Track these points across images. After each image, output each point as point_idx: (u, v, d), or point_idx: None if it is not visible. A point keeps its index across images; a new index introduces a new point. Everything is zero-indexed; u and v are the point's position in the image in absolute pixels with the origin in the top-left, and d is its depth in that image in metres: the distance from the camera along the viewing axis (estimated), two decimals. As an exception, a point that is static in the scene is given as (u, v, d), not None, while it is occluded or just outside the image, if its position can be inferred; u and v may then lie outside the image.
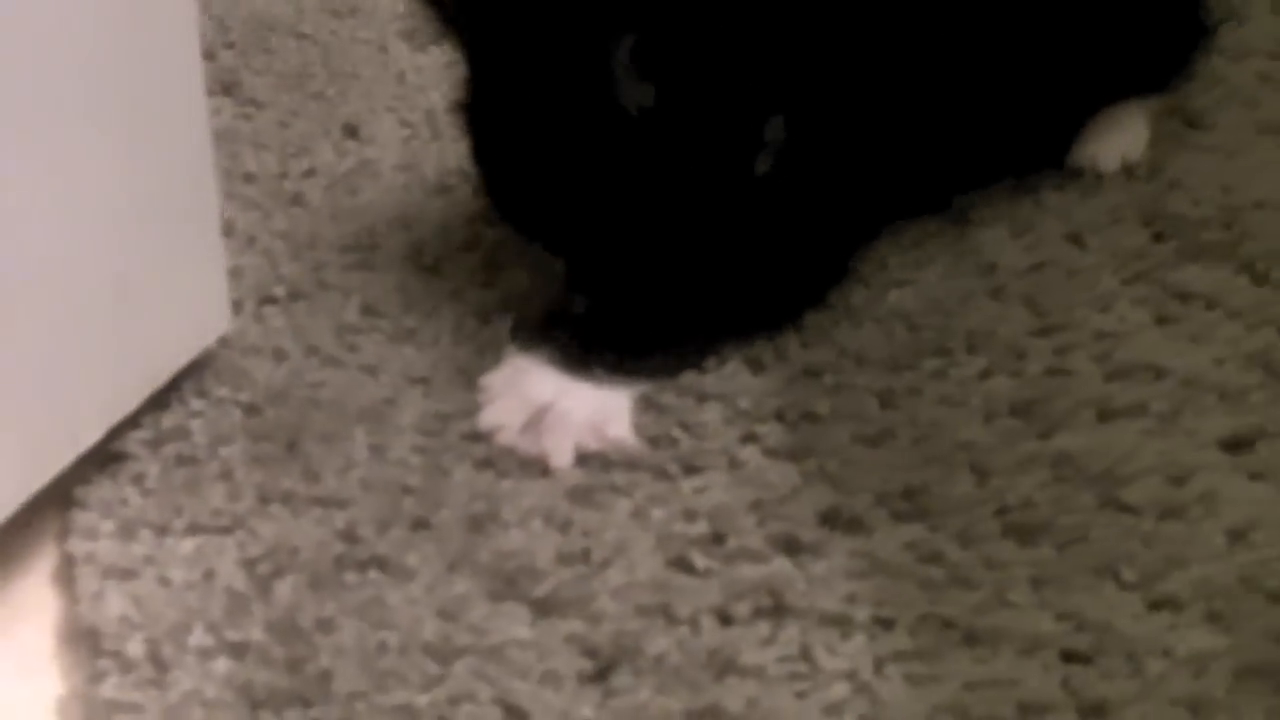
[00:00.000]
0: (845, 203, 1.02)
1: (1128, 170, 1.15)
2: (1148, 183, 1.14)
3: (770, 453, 0.94)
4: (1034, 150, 1.13)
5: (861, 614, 0.85)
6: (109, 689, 0.81)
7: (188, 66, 0.88)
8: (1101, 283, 1.06)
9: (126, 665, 0.82)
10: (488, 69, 0.96)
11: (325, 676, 0.81)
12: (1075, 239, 1.10)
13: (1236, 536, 0.89)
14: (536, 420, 0.95)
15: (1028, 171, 1.13)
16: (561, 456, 0.93)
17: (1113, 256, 1.08)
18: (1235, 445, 0.95)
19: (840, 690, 0.81)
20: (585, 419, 0.94)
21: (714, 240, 0.96)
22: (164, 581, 0.86)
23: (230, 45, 1.28)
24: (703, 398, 0.98)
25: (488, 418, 0.95)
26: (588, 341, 0.97)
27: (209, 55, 1.25)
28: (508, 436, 0.94)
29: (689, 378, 0.99)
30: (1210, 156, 1.17)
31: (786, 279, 1.03)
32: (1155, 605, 0.86)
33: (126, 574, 0.87)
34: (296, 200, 1.12)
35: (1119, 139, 1.14)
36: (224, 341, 0.99)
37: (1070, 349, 1.01)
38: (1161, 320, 1.04)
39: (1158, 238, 1.10)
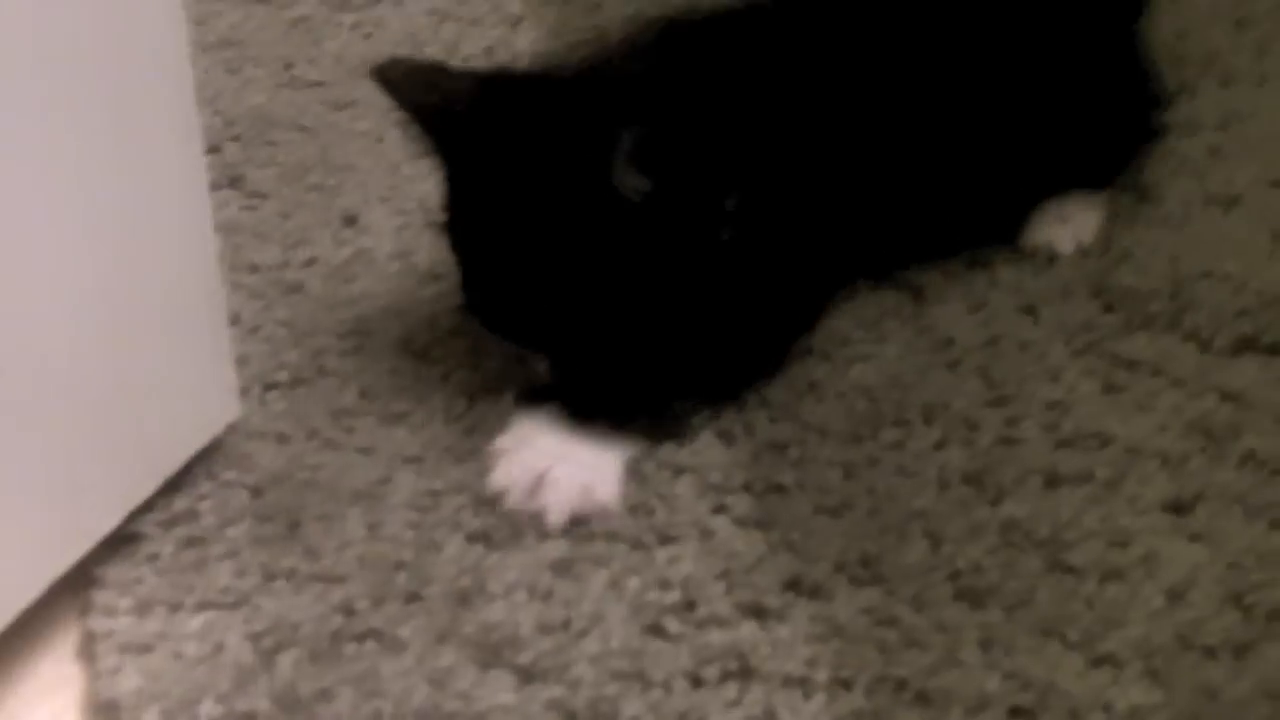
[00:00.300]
0: (806, 273, 1.10)
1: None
2: (1099, 257, 1.21)
3: (739, 522, 1.01)
4: (985, 230, 1.19)
5: (821, 675, 0.92)
6: (127, 758, 0.88)
7: (192, 174, 0.96)
8: (1052, 354, 1.13)
9: (142, 735, 0.89)
10: (470, 183, 1.03)
11: (326, 744, 0.88)
12: (1029, 311, 1.16)
13: (1175, 596, 0.96)
14: (538, 482, 1.01)
15: (981, 246, 1.20)
16: (556, 517, 1.00)
17: (1063, 329, 1.15)
18: (1176, 509, 1.02)
19: (802, 748, 0.88)
20: (580, 482, 1.01)
21: (690, 313, 1.04)
22: (177, 656, 0.94)
23: (235, 139, 1.35)
24: (678, 470, 1.05)
25: (495, 480, 1.02)
26: (582, 409, 1.03)
27: (214, 149, 1.32)
28: (514, 498, 1.01)
29: (667, 451, 1.06)
30: (1159, 229, 1.23)
31: (755, 346, 1.10)
32: (1096, 663, 0.93)
33: (142, 649, 0.94)
34: (297, 289, 1.19)
35: (1072, 225, 1.21)
36: (231, 427, 1.06)
37: (1020, 419, 1.08)
38: (1109, 389, 1.10)
39: (1107, 309, 1.16)
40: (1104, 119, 1.21)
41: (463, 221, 1.05)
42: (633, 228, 0.99)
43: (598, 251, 1.01)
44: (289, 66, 1.44)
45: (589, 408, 1.04)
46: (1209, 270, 1.19)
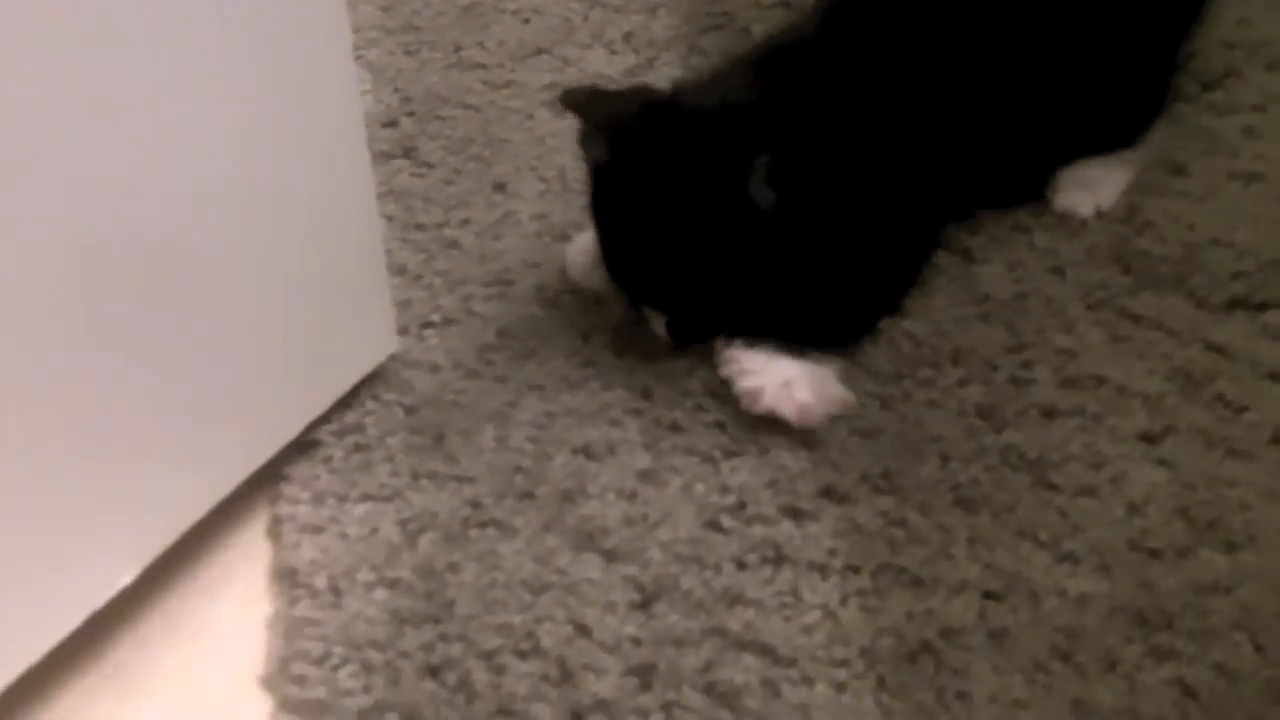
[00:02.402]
0: (892, 236, 1.37)
1: (1108, 214, 1.45)
2: (1124, 224, 1.44)
3: (789, 441, 1.28)
4: (1021, 188, 1.45)
5: (838, 562, 1.19)
6: (301, 610, 1.19)
7: (358, 154, 1.24)
8: (1070, 309, 1.37)
9: (314, 593, 1.20)
10: (632, 184, 1.29)
11: (450, 603, 1.18)
12: (1057, 271, 1.41)
13: (1134, 509, 1.21)
14: (786, 388, 1.28)
15: (1017, 204, 1.46)
16: (817, 411, 1.27)
17: (1083, 286, 1.39)
18: (1149, 439, 1.26)
19: (814, 616, 1.15)
20: (813, 389, 1.28)
21: (808, 276, 1.31)
22: (343, 535, 1.24)
23: (410, 114, 1.64)
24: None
25: (747, 384, 1.29)
26: (800, 338, 1.31)
27: (392, 123, 1.62)
28: (770, 398, 1.28)
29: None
30: (1183, 200, 1.46)
31: (871, 296, 1.38)
32: (1059, 559, 1.18)
33: (316, 530, 1.24)
34: (453, 245, 1.48)
35: (1094, 190, 1.45)
36: (393, 358, 1.35)
37: (1034, 362, 1.33)
38: (1114, 339, 1.34)
39: (1125, 270, 1.40)
40: (1120, 93, 1.44)
41: (620, 211, 1.31)
42: (762, 227, 1.26)
43: (734, 242, 1.27)
44: (459, 49, 1.72)
45: (801, 339, 1.31)
46: (1218, 238, 1.42)
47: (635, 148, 1.29)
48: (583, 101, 1.32)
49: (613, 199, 1.31)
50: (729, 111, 1.29)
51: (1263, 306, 1.36)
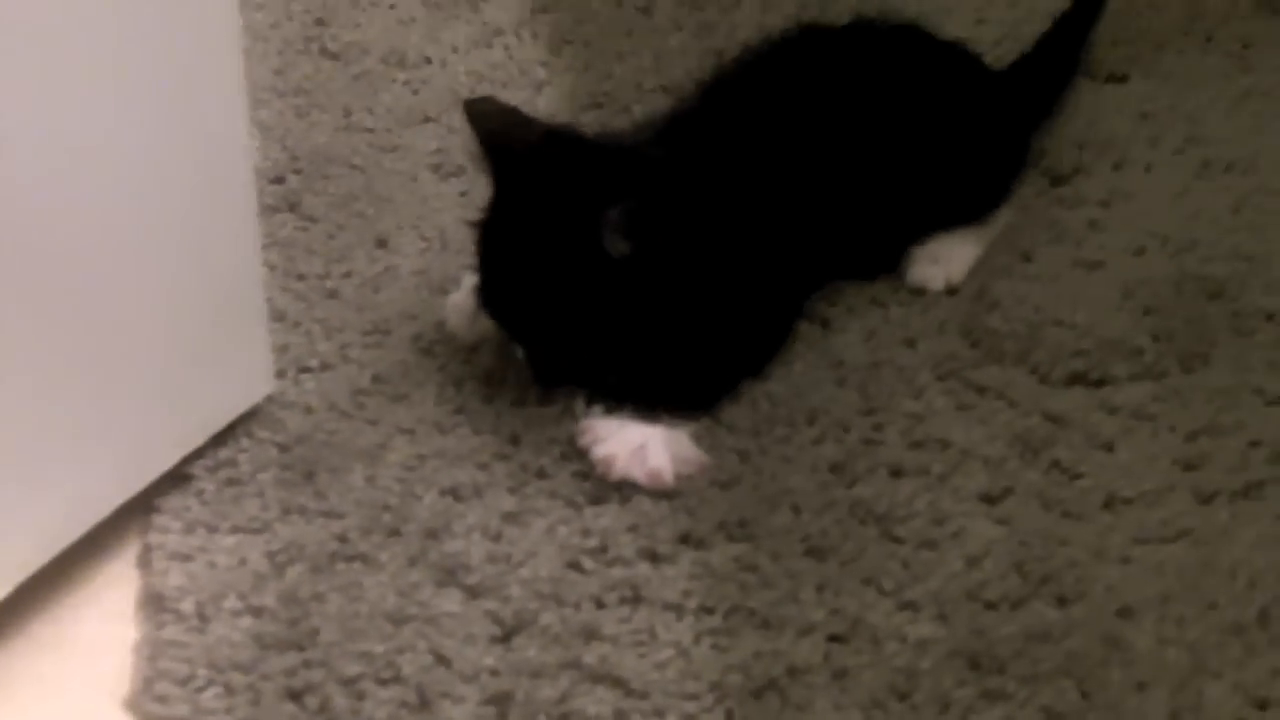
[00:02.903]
0: (759, 299, 1.42)
1: (959, 292, 1.51)
2: (974, 302, 1.50)
3: (649, 492, 1.32)
4: (873, 262, 1.52)
5: (692, 603, 1.22)
6: (167, 633, 1.20)
7: (245, 222, 1.27)
8: (920, 377, 1.42)
9: (180, 617, 1.21)
10: (509, 210, 1.34)
11: (314, 631, 1.20)
12: (909, 343, 1.46)
13: (972, 562, 1.26)
14: (639, 453, 1.32)
15: (874, 276, 1.52)
16: (669, 475, 1.31)
17: (933, 357, 1.44)
18: (989, 499, 1.31)
19: (667, 653, 1.19)
20: (668, 451, 1.32)
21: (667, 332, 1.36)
22: (211, 564, 1.25)
23: (298, 171, 1.67)
24: (612, 451, 1.36)
25: (601, 451, 1.32)
26: (649, 403, 1.35)
27: (279, 179, 1.64)
28: (621, 466, 1.31)
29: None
30: (1029, 283, 1.52)
31: (735, 357, 1.43)
32: (901, 607, 1.22)
33: (186, 558, 1.26)
34: (334, 295, 1.51)
35: (945, 265, 1.52)
36: (269, 399, 1.37)
37: (884, 425, 1.37)
38: (960, 407, 1.39)
39: (973, 345, 1.45)
40: (968, 174, 1.52)
41: (495, 237, 1.36)
42: (616, 276, 1.31)
43: (588, 287, 1.31)
44: (348, 113, 1.76)
45: (650, 405, 1.35)
46: (1060, 319, 1.48)
47: (515, 173, 1.34)
48: (483, 111, 1.36)
49: (491, 221, 1.36)
50: (606, 153, 1.35)
51: (1099, 383, 1.42)
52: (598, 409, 1.36)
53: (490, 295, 1.37)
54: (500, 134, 1.36)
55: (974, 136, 1.51)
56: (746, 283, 1.40)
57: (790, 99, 1.47)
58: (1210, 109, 1.79)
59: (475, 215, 1.39)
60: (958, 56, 1.60)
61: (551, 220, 1.32)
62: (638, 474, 1.31)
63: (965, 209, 1.53)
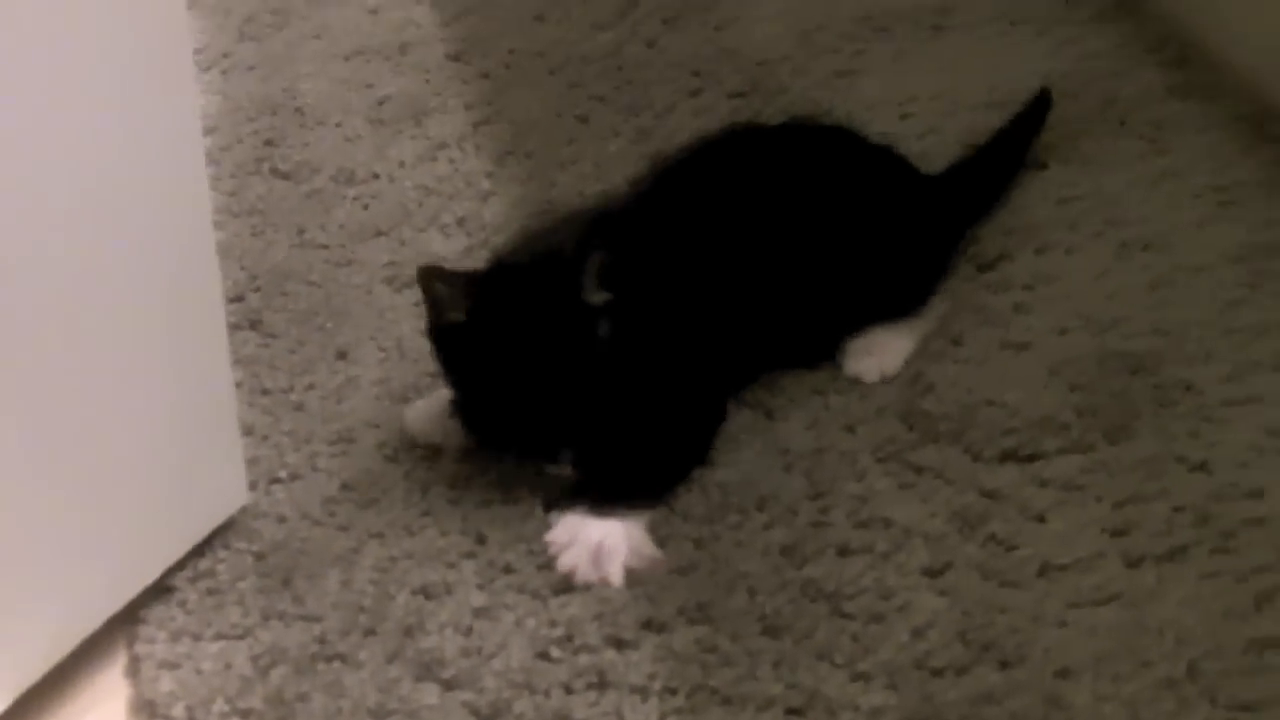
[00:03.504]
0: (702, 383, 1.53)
1: (895, 378, 1.61)
2: (909, 387, 1.59)
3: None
4: (809, 353, 1.62)
5: (657, 685, 1.31)
6: (162, 738, 1.29)
7: (215, 342, 1.37)
8: (861, 460, 1.52)
9: (172, 722, 1.30)
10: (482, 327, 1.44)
11: (301, 729, 1.29)
12: (850, 429, 1.55)
13: (918, 633, 1.35)
14: (595, 556, 1.41)
15: (812, 365, 1.62)
16: (617, 578, 1.40)
17: (873, 441, 1.53)
18: (931, 573, 1.40)
19: (635, 733, 1.28)
20: (626, 547, 1.42)
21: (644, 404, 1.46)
22: (198, 670, 1.34)
23: (257, 290, 1.77)
24: (574, 544, 1.45)
25: (564, 562, 1.42)
26: (606, 497, 1.45)
27: (239, 298, 1.74)
28: (582, 574, 1.41)
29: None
30: (960, 366, 1.62)
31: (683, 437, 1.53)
32: (854, 678, 1.31)
33: (173, 665, 1.34)
34: (299, 408, 1.60)
35: (879, 358, 1.62)
36: (243, 510, 1.46)
37: (830, 508, 1.47)
38: (901, 486, 1.49)
39: (909, 427, 1.55)
40: (898, 273, 1.63)
41: (507, 364, 1.44)
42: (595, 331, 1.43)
43: (574, 347, 1.43)
44: (302, 231, 1.86)
45: (607, 499, 1.45)
46: (992, 399, 1.57)
47: (489, 301, 1.44)
48: (440, 273, 1.46)
49: (478, 353, 1.45)
50: (547, 256, 1.46)
51: (1030, 458, 1.51)
52: (556, 514, 1.46)
53: (518, 423, 1.47)
54: (465, 279, 1.47)
55: (902, 237, 1.62)
56: (695, 365, 1.51)
57: (727, 197, 1.58)
58: (1127, 191, 1.89)
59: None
60: (887, 159, 1.71)
61: (538, 315, 1.43)
62: (604, 578, 1.41)
63: (896, 304, 1.64)
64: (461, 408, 1.50)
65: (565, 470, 1.46)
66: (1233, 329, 1.67)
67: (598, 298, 1.43)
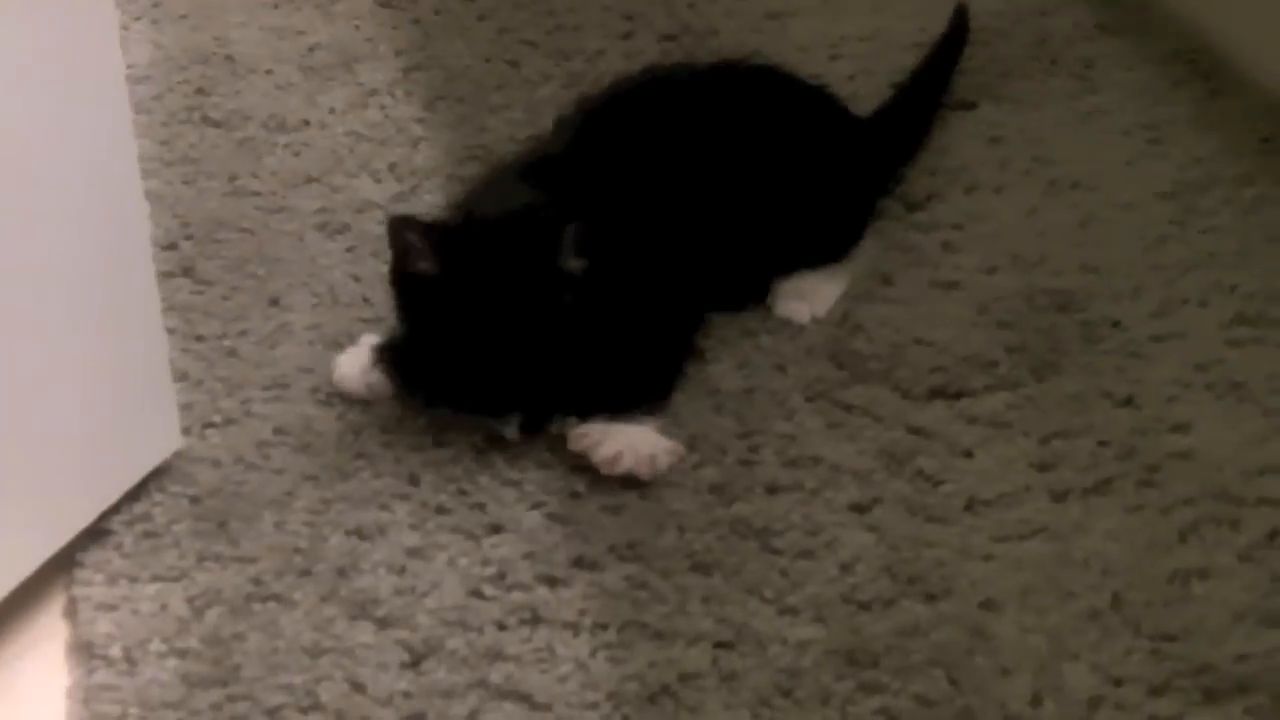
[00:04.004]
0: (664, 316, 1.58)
1: (825, 318, 1.65)
2: (838, 327, 1.64)
3: (547, 518, 1.45)
4: (743, 293, 1.66)
5: (588, 621, 1.35)
6: (98, 678, 1.31)
7: (146, 288, 1.40)
8: (791, 400, 1.56)
9: (110, 662, 1.32)
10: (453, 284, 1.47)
11: (237, 668, 1.31)
12: (780, 369, 1.59)
13: (845, 568, 1.39)
14: (633, 449, 1.46)
15: (741, 308, 1.67)
16: (663, 462, 1.47)
17: (802, 381, 1.58)
18: (859, 509, 1.45)
19: (567, 667, 1.31)
20: (660, 444, 1.48)
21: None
22: (134, 611, 1.37)
23: (189, 238, 1.79)
24: (507, 482, 1.48)
25: (604, 452, 1.47)
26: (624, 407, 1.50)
27: (172, 246, 1.76)
28: (626, 462, 1.46)
29: (499, 467, 1.49)
30: (890, 306, 1.66)
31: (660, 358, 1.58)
32: (782, 612, 1.35)
33: (111, 607, 1.37)
34: (233, 354, 1.63)
35: (809, 300, 1.66)
36: (178, 454, 1.49)
37: (760, 446, 1.51)
38: (829, 425, 1.53)
39: (839, 367, 1.59)
40: (824, 218, 1.68)
41: (464, 327, 1.47)
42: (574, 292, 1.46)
43: (558, 316, 1.46)
44: (234, 179, 1.88)
45: (621, 408, 1.50)
46: (920, 338, 1.62)
47: (460, 256, 1.47)
48: (413, 222, 1.48)
49: (447, 307, 1.48)
50: (522, 214, 1.49)
51: (958, 395, 1.56)
52: (571, 421, 1.51)
53: (473, 382, 1.49)
54: (437, 232, 1.49)
55: (832, 178, 1.66)
56: (648, 313, 1.56)
57: (661, 142, 1.62)
58: (1056, 130, 1.95)
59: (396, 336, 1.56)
60: (817, 99, 1.75)
61: (511, 276, 1.46)
62: (641, 468, 1.46)
63: (826, 247, 1.68)
64: (407, 356, 1.52)
65: (511, 431, 1.49)
66: (1160, 265, 1.73)
67: (574, 264, 1.45)
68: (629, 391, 1.51)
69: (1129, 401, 1.56)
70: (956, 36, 1.95)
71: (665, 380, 1.55)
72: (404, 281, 1.50)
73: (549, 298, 1.45)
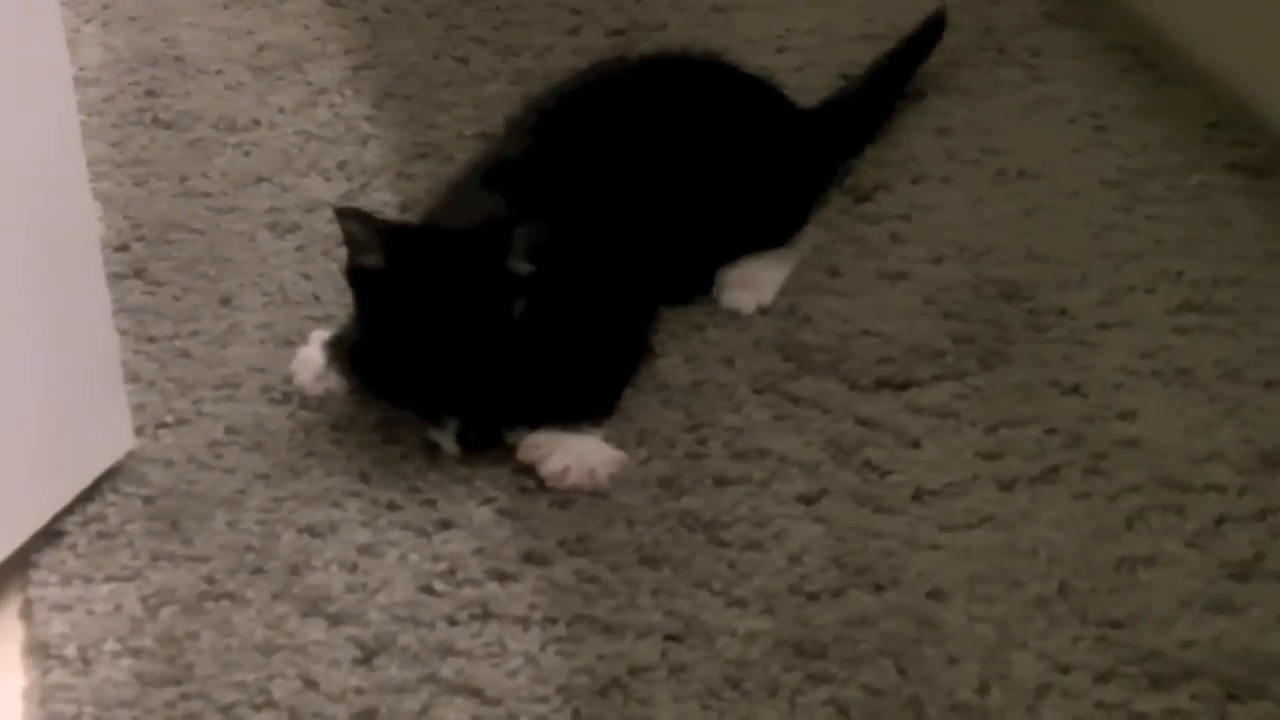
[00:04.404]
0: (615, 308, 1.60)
1: (772, 310, 1.68)
2: (785, 319, 1.66)
3: (497, 513, 1.47)
4: (689, 286, 1.69)
5: (538, 615, 1.37)
6: (54, 678, 1.33)
7: (95, 290, 1.42)
8: (739, 393, 1.58)
9: (65, 662, 1.34)
10: (398, 280, 1.49)
11: (190, 666, 1.33)
12: (728, 362, 1.62)
13: (794, 559, 1.41)
14: (582, 463, 1.48)
15: (690, 299, 1.70)
16: (603, 476, 1.48)
17: (750, 373, 1.60)
18: (807, 500, 1.47)
19: (517, 662, 1.33)
20: (607, 455, 1.50)
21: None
22: (90, 611, 1.38)
23: (141, 239, 1.81)
24: (458, 478, 1.51)
25: (551, 466, 1.49)
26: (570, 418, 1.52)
27: (124, 247, 1.78)
28: (574, 477, 1.48)
29: (449, 464, 1.51)
30: (837, 298, 1.69)
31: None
32: (730, 604, 1.37)
33: (65, 608, 1.39)
34: (185, 354, 1.65)
35: (755, 289, 1.69)
36: (131, 455, 1.51)
37: (708, 439, 1.53)
38: (777, 417, 1.56)
39: (787, 359, 1.62)
40: (766, 204, 1.71)
41: (406, 317, 1.49)
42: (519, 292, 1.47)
43: (503, 322, 1.48)
44: (184, 179, 1.90)
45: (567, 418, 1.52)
46: (868, 329, 1.65)
47: (408, 255, 1.49)
48: (358, 214, 1.52)
49: (394, 304, 1.50)
50: (479, 224, 1.52)
51: (905, 386, 1.59)
52: (519, 432, 1.52)
53: (412, 375, 1.50)
54: (388, 225, 1.52)
55: (773, 167, 1.69)
56: (608, 295, 1.58)
57: (610, 139, 1.65)
58: (1004, 119, 1.99)
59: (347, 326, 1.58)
60: (759, 90, 1.78)
61: (461, 280, 1.48)
62: (584, 482, 1.49)
63: (768, 234, 1.71)
64: (359, 350, 1.54)
65: (447, 438, 1.50)
66: (1107, 253, 1.77)
67: (522, 268, 1.47)
68: (575, 403, 1.53)
69: (1076, 390, 1.59)
70: (929, 35, 1.98)
71: (613, 390, 1.58)
72: (353, 273, 1.52)
73: (496, 300, 1.47)
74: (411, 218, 1.72)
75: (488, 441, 1.51)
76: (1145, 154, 1.92)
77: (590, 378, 1.56)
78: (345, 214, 1.50)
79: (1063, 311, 1.69)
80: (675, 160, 1.64)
